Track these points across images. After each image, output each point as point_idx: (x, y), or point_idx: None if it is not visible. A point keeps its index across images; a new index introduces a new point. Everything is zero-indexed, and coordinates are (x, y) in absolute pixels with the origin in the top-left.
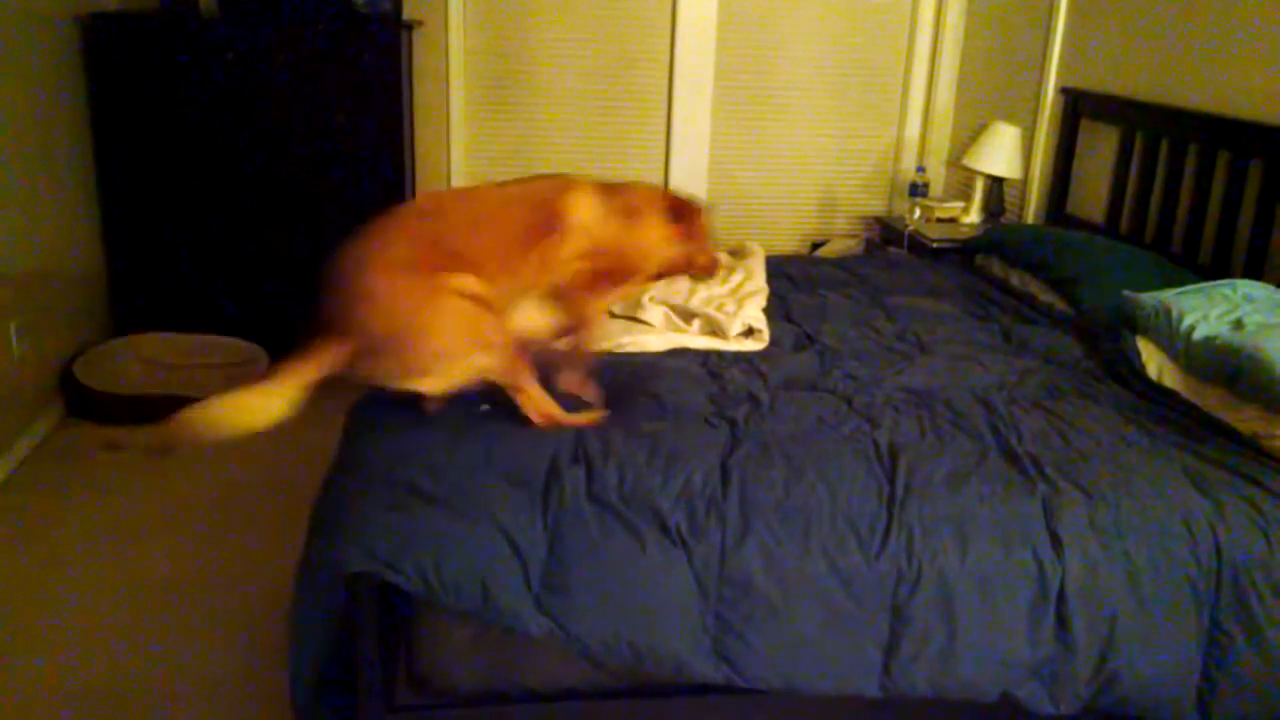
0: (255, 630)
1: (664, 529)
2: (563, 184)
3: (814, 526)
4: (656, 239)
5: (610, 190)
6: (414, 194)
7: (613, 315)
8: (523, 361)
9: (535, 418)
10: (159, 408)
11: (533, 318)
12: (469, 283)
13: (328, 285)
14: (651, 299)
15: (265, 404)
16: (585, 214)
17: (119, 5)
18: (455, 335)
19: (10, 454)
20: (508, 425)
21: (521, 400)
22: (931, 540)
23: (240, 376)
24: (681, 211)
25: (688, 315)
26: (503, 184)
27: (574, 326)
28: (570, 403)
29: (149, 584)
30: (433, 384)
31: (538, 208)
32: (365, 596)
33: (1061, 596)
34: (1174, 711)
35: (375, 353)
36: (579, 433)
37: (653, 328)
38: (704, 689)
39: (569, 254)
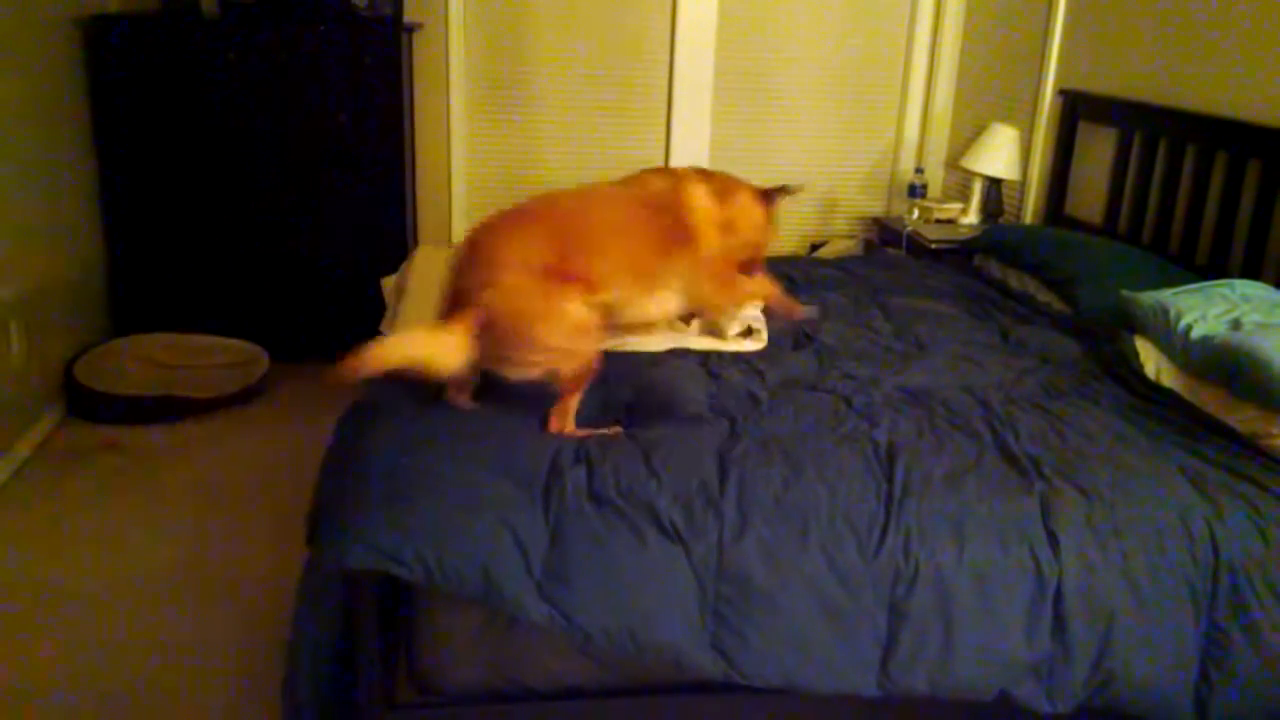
0: (256, 629)
1: (661, 528)
2: (676, 184)
3: (812, 524)
4: (760, 219)
5: (711, 178)
6: (414, 194)
7: None
8: (586, 382)
9: (554, 425)
10: (159, 408)
11: (664, 307)
12: (589, 298)
13: (464, 262)
14: None
15: (444, 344)
16: (705, 211)
17: (120, 7)
18: (556, 343)
19: (12, 454)
20: (508, 425)
21: (559, 408)
22: (929, 539)
23: (241, 377)
24: (768, 196)
25: (687, 316)
26: (625, 186)
27: (717, 310)
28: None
29: (150, 583)
30: (517, 375)
31: (665, 216)
32: (366, 594)
33: (1059, 595)
34: (1171, 711)
35: (486, 332)
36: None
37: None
38: (704, 688)
39: (703, 253)
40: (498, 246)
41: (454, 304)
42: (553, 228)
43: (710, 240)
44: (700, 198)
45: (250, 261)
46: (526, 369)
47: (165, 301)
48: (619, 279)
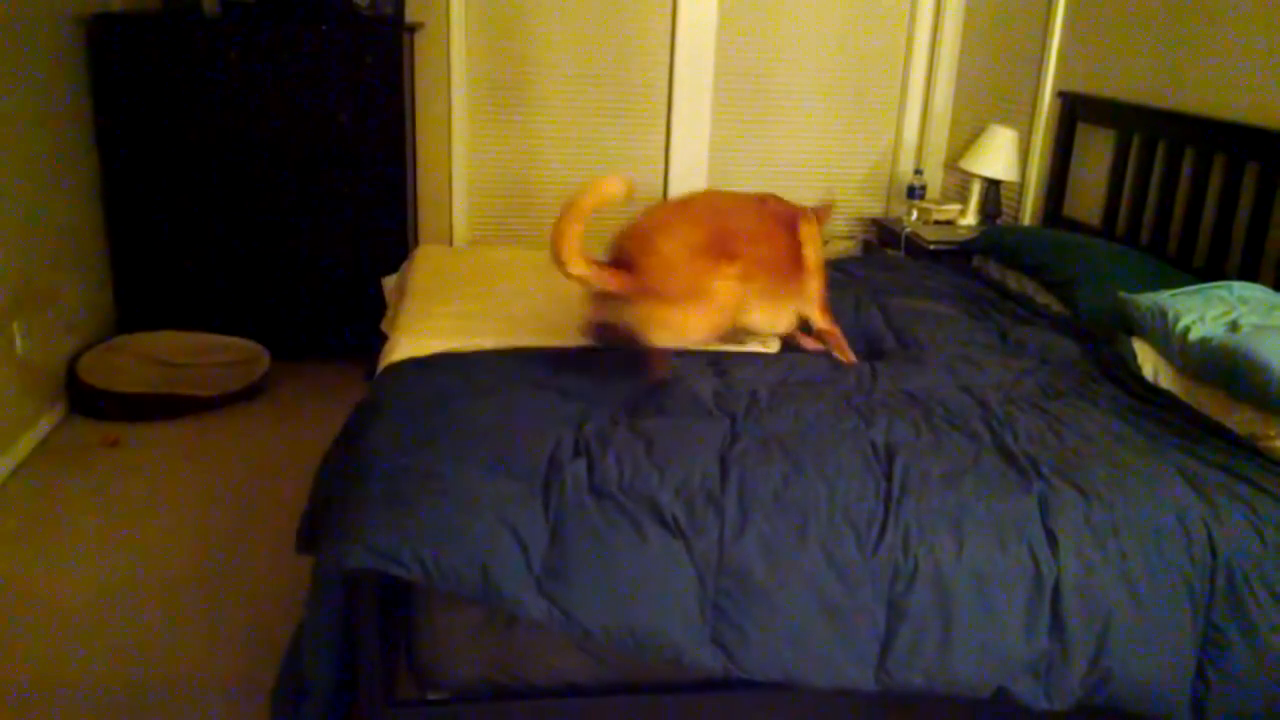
0: (258, 626)
1: (663, 522)
2: (792, 210)
3: (811, 520)
4: (819, 240)
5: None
6: (415, 194)
7: None
8: None
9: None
10: (161, 406)
11: (781, 319)
12: (736, 274)
13: (625, 236)
14: None
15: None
16: (810, 231)
17: (122, 6)
18: (703, 321)
19: (13, 451)
20: (507, 421)
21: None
22: (928, 536)
23: (242, 375)
24: (819, 216)
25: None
26: (759, 200)
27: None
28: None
29: (150, 580)
30: (661, 342)
31: (788, 232)
32: (366, 593)
33: (1057, 593)
34: (1168, 709)
35: (641, 299)
36: (580, 426)
37: None
38: (703, 685)
39: (812, 268)
40: (660, 223)
41: (615, 263)
42: (711, 214)
43: (813, 259)
44: (807, 220)
45: (251, 260)
46: (660, 338)
47: (167, 299)
48: (762, 276)
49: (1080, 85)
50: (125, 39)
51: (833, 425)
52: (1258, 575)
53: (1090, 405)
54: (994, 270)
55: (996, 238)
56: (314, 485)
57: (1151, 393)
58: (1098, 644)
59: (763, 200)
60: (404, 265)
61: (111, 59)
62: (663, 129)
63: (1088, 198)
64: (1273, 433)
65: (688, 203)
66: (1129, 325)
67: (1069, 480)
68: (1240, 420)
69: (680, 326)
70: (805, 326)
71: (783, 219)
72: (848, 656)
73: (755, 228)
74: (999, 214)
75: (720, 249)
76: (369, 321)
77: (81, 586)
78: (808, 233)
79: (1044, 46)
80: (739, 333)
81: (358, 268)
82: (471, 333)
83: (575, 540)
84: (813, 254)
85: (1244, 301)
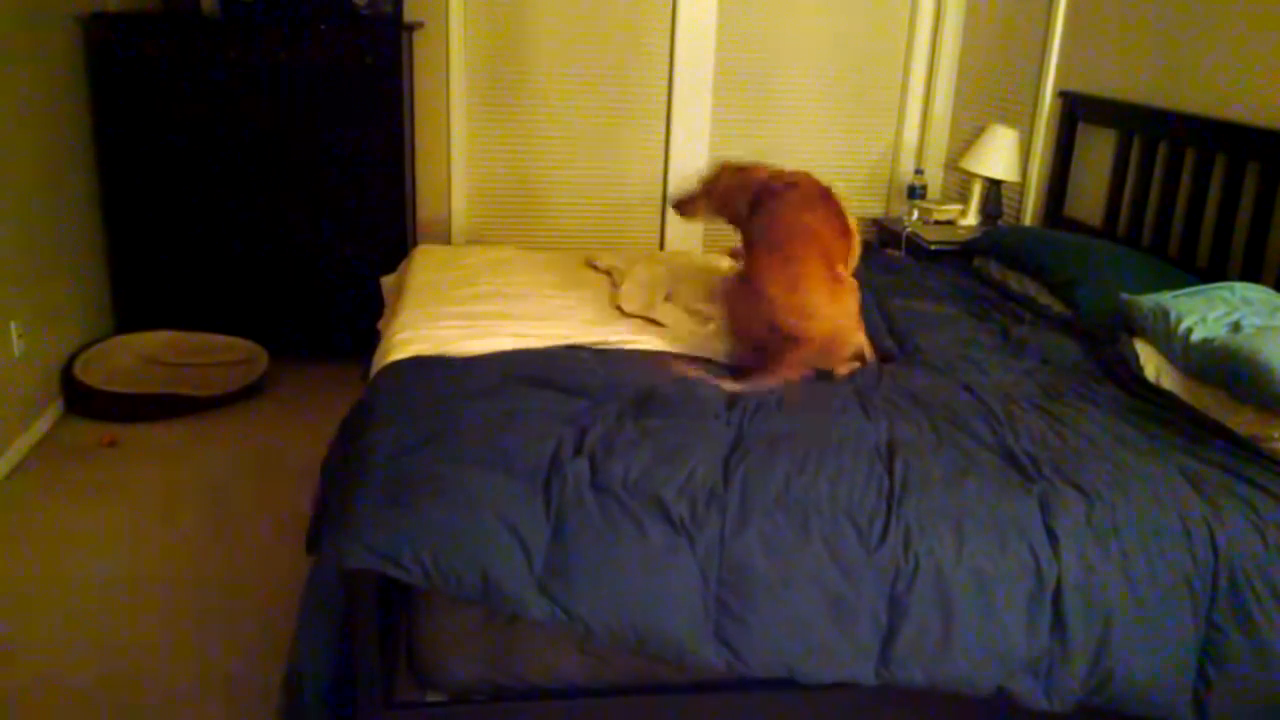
0: (255, 628)
1: (668, 519)
2: (821, 184)
3: (813, 517)
4: None
5: None
6: (414, 194)
7: (626, 314)
8: None
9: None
10: (159, 406)
11: None
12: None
13: (772, 314)
14: (666, 299)
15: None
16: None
17: (121, 5)
18: (856, 329)
19: (10, 451)
20: (507, 421)
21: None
22: (929, 535)
23: (241, 375)
24: None
25: (705, 318)
26: (791, 184)
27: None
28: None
29: (148, 581)
30: (841, 368)
31: (831, 205)
32: (365, 594)
33: (1058, 593)
34: (1170, 710)
35: (820, 353)
36: (582, 426)
37: (665, 327)
38: (703, 686)
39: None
40: (793, 264)
41: (764, 349)
42: (800, 235)
43: (854, 224)
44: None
45: (250, 260)
46: (845, 366)
47: (165, 299)
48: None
49: (1081, 85)
50: (124, 38)
51: (836, 425)
52: (1259, 576)
53: (1092, 406)
54: (995, 271)
55: (997, 238)
56: (320, 487)
57: (1153, 393)
58: (1099, 644)
59: (795, 183)
60: (403, 265)
61: (110, 58)
62: (663, 129)
63: (1088, 198)
64: (1275, 434)
65: (775, 240)
66: (1131, 326)
67: (1070, 480)
68: (1242, 421)
69: (849, 356)
70: None
71: (823, 194)
72: (849, 651)
73: (823, 224)
74: (999, 214)
75: (827, 260)
76: (369, 321)
77: (81, 586)
78: (842, 199)
79: (1044, 46)
80: None
81: (357, 267)
82: (470, 332)
83: (576, 538)
84: (852, 219)
85: (1247, 303)
